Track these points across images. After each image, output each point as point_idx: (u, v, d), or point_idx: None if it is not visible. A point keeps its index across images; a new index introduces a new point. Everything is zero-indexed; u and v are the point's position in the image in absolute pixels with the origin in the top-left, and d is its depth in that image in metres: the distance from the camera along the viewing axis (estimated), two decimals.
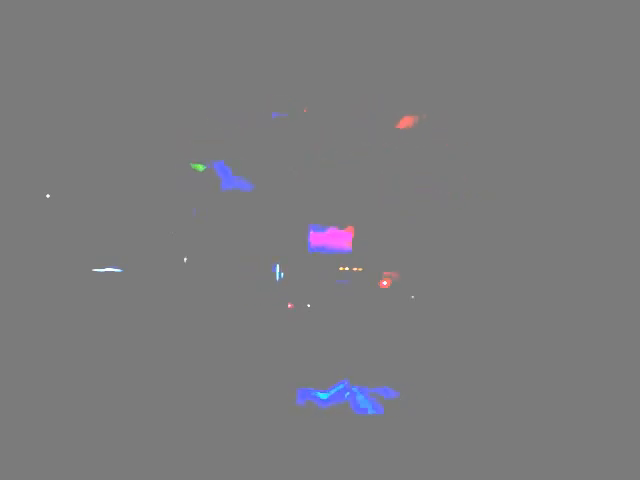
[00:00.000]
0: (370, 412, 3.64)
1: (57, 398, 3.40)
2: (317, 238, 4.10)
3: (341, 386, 3.69)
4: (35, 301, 3.99)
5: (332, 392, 3.67)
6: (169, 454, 2.99)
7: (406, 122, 3.54)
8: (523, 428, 3.26)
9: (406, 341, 4.12)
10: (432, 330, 4.15)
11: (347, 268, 4.61)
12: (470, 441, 3.15)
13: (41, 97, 4.29)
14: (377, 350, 4.04)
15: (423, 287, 4.44)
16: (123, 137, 4.46)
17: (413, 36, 4.37)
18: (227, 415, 3.35)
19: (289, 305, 4.50)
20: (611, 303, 3.92)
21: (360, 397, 3.69)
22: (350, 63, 4.48)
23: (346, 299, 4.51)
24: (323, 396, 3.64)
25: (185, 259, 4.53)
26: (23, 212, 4.23)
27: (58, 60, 4.29)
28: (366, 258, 4.63)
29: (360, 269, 4.62)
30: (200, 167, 3.79)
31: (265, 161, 4.59)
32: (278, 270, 4.70)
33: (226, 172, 4.51)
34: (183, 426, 3.22)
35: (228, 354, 3.95)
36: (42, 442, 2.99)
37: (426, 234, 4.51)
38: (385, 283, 4.51)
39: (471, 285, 4.28)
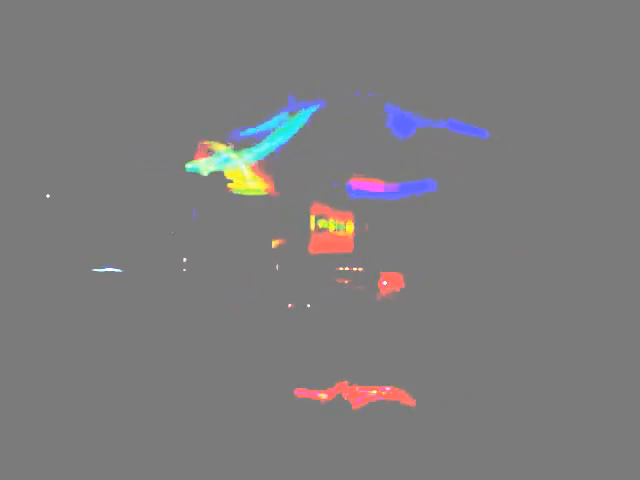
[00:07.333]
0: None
1: (57, 393, 3.42)
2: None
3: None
4: (35, 300, 4.01)
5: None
6: (168, 450, 3.00)
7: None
8: (522, 427, 3.26)
9: (405, 340, 4.12)
10: (431, 329, 4.15)
11: (347, 268, 4.61)
12: (470, 440, 3.16)
13: (42, 99, 4.31)
14: (376, 349, 4.04)
15: (423, 287, 4.43)
16: (123, 138, 4.48)
17: (413, 36, 4.38)
18: (227, 413, 3.37)
19: (289, 305, 4.51)
20: (610, 304, 3.91)
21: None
22: (351, 65, 4.48)
23: (346, 299, 4.51)
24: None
25: (185, 259, 4.54)
26: (23, 212, 4.24)
27: (59, 63, 4.32)
28: (366, 258, 4.63)
29: (360, 269, 4.62)
30: None
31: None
32: (277, 269, 4.70)
33: None
34: (183, 423, 3.23)
35: (228, 353, 3.96)
36: (41, 439, 3.01)
37: (426, 234, 4.51)
38: (385, 283, 4.51)
39: (470, 284, 4.28)
